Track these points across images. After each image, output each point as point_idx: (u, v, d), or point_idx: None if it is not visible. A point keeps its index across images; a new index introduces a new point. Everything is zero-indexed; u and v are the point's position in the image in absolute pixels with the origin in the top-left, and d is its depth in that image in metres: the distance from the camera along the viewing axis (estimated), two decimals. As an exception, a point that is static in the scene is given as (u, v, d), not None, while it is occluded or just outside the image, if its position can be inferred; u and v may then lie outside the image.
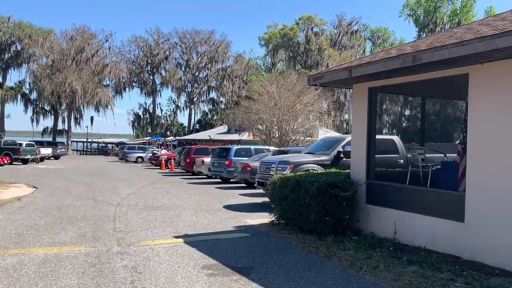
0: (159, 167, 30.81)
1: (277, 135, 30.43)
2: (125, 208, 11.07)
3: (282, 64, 65.15)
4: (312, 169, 10.25)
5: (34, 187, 16.24)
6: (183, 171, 25.95)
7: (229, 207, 11.46)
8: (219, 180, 20.28)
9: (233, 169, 17.98)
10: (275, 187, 8.43)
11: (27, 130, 63.19)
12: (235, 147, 19.47)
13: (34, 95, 57.84)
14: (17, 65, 55.84)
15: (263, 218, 9.50)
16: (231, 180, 19.52)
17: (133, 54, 66.44)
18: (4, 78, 55.84)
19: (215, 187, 17.19)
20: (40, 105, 58.61)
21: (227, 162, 18.72)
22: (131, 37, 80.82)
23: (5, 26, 53.50)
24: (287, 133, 29.93)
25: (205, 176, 22.37)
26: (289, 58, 57.38)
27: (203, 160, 21.86)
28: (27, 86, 57.77)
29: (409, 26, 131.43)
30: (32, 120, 58.75)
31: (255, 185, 17.40)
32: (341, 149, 11.10)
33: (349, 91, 55.94)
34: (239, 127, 34.36)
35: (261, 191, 15.15)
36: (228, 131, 44.38)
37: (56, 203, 11.79)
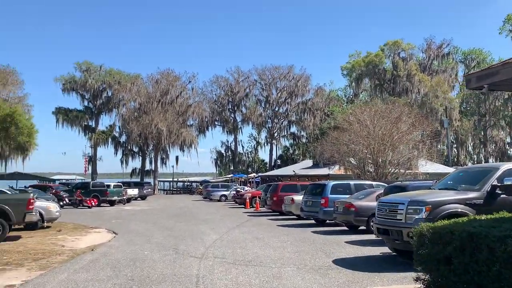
0: (243, 206, 28.88)
1: (372, 168, 27.17)
2: (210, 263, 8.91)
3: (365, 94, 61.80)
4: (461, 212, 7.34)
5: (114, 232, 14.89)
6: (270, 210, 23.67)
7: (341, 263, 8.79)
8: (312, 221, 17.63)
9: (331, 209, 15.29)
10: (424, 241, 5.69)
11: (118, 172, 65.87)
12: (331, 183, 16.80)
13: (123, 138, 60.29)
14: (108, 110, 58.87)
15: (402, 285, 6.71)
16: (327, 221, 16.82)
17: (215, 94, 67.35)
18: (97, 123, 59.05)
19: (312, 232, 14.56)
20: (129, 147, 60.82)
21: (323, 201, 16.06)
22: (212, 77, 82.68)
23: (97, 74, 57.02)
24: (384, 165, 26.55)
25: (295, 217, 19.84)
26: (375, 86, 53.97)
27: (292, 199, 19.40)
28: (117, 130, 60.50)
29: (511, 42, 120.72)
30: (122, 162, 61.06)
31: (359, 228, 14.61)
32: (496, 183, 8.03)
33: (447, 117, 50.60)
34: (327, 160, 31.54)
35: (372, 236, 12.31)
36: (315, 165, 41.69)
37: (132, 254, 10.00)
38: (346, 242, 11.95)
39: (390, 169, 26.82)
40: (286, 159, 66.23)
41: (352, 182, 17.24)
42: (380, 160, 26.75)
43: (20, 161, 40.89)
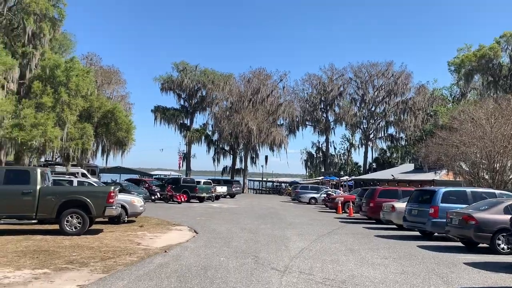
0: (334, 211, 26.75)
1: (487, 175, 23.37)
2: (294, 280, 7.27)
3: (473, 93, 55.29)
4: None
5: (195, 231, 13.97)
6: (365, 217, 21.33)
7: (469, 296, 6.60)
8: (416, 233, 15.09)
9: (443, 220, 12.74)
10: None
11: (210, 169, 67.19)
12: (442, 189, 14.13)
13: (215, 136, 61.19)
14: (202, 108, 60.15)
15: None
16: (435, 234, 14.23)
17: (306, 92, 65.59)
18: (191, 121, 60.65)
19: (418, 246, 12.17)
20: (220, 145, 61.60)
21: (432, 211, 13.51)
22: (304, 76, 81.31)
23: (193, 74, 58.48)
24: (503, 171, 22.64)
25: (395, 227, 17.36)
26: (488, 83, 47.87)
27: (393, 206, 16.96)
28: (210, 128, 61.61)
29: None
30: (214, 160, 62.04)
31: (478, 245, 11.92)
32: None
33: None
34: (433, 164, 27.97)
35: (501, 258, 9.80)
36: (417, 170, 37.85)
37: (205, 260, 8.75)
38: (466, 263, 9.50)
39: (511, 176, 22.80)
40: (382, 162, 62.16)
41: (468, 190, 14.36)
42: (497, 165, 22.87)
43: (119, 155, 43.28)
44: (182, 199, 28.99)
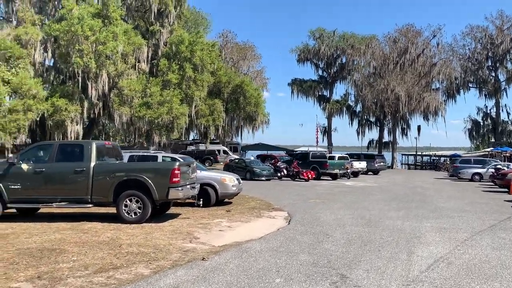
0: (506, 191, 20.11)
1: None
2: None
3: None
4: None
5: (289, 220, 10.52)
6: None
7: None
8: None
9: None
10: None
11: (355, 145, 61.95)
12: None
13: (358, 107, 55.81)
14: (342, 78, 55.27)
15: None
16: None
17: (468, 48, 54.83)
18: (331, 92, 56.36)
19: None
20: (365, 117, 55.94)
21: None
22: (465, 29, 68.67)
23: (330, 40, 53.85)
24: None
25: None
26: None
27: None
28: (352, 99, 56.38)
29: None
30: (358, 133, 56.72)
31: None
32: None
33: None
34: None
35: None
36: None
37: (261, 277, 5.26)
38: None
39: None
40: None
41: None
42: None
43: (257, 131, 41.86)
44: (310, 176, 25.63)
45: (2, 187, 9.77)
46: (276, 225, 9.78)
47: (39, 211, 11.17)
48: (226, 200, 13.79)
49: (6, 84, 22.87)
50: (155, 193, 9.62)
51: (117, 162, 10.84)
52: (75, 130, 27.14)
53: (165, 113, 27.75)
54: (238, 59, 51.58)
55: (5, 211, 9.86)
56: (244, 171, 26.06)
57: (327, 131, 56.65)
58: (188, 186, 10.44)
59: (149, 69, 31.73)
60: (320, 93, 56.25)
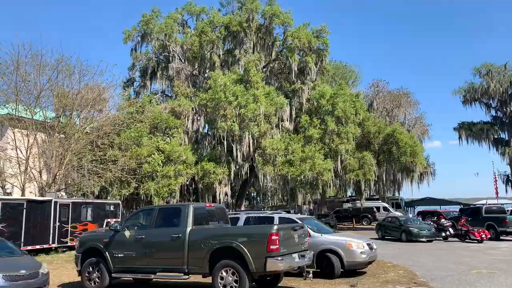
0: None
1: None
2: None
3: None
4: None
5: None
6: None
7: None
8: None
9: None
10: None
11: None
12: None
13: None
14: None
15: None
16: None
17: None
18: (510, 134, 47.59)
19: None
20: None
21: None
22: None
23: (501, 76, 46.37)
24: None
25: None
26: None
27: None
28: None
29: None
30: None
31: None
32: None
33: None
34: None
35: None
36: None
37: None
38: None
39: None
40: None
41: None
42: None
43: (416, 185, 37.28)
44: (483, 236, 20.67)
45: (108, 256, 9.58)
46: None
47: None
48: (359, 270, 11.39)
49: (160, 153, 24.98)
50: (251, 263, 8.13)
51: (215, 226, 9.77)
52: (223, 191, 27.98)
53: (307, 169, 26.63)
54: (392, 107, 48.17)
55: (121, 279, 9.56)
56: (399, 231, 22.67)
57: (510, 180, 47.42)
58: (295, 255, 8.67)
59: (294, 127, 31.53)
60: (495, 136, 48.09)
